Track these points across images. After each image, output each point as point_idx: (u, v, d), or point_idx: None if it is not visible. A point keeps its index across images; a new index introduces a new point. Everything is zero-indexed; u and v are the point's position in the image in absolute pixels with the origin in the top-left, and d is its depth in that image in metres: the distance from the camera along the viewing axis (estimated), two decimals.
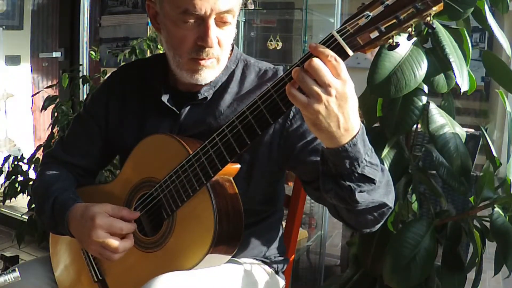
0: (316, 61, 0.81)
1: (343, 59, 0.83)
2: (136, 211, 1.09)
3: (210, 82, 1.11)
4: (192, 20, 1.01)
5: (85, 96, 2.82)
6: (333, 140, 0.85)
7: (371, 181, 0.90)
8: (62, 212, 1.10)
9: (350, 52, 0.83)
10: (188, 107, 1.13)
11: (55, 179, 1.20)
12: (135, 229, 1.07)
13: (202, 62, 1.04)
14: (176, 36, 1.04)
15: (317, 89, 0.81)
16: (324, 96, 0.81)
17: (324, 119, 0.82)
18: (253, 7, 2.95)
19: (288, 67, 0.89)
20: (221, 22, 1.02)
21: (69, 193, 1.15)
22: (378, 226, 1.02)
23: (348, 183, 0.89)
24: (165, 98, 1.14)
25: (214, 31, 1.01)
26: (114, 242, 1.01)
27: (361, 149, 0.87)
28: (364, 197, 0.91)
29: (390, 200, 0.99)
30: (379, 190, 0.94)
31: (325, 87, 0.81)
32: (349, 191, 0.90)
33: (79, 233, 1.07)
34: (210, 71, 1.07)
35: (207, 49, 1.02)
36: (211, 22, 1.00)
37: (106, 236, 1.01)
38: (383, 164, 1.05)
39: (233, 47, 1.17)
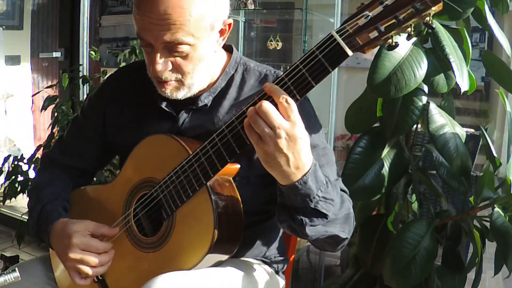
0: (265, 105, 0.85)
1: (343, 59, 0.83)
2: (116, 227, 1.10)
3: (210, 88, 1.11)
4: (146, 45, 1.02)
5: (85, 96, 2.81)
6: (285, 177, 0.89)
7: (324, 216, 0.94)
8: (46, 225, 1.11)
9: (350, 52, 0.83)
10: (187, 113, 1.13)
11: (48, 183, 1.21)
12: (111, 248, 1.07)
13: (163, 83, 1.05)
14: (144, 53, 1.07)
15: (267, 131, 0.85)
16: (273, 138, 0.84)
17: (275, 158, 0.86)
18: (253, 7, 2.95)
19: (288, 67, 0.89)
20: (173, 51, 1.01)
21: (58, 202, 1.16)
22: (340, 248, 1.08)
23: (301, 216, 0.94)
24: (163, 103, 1.13)
25: (160, 59, 1.01)
26: (90, 258, 1.03)
27: (313, 185, 0.90)
28: (316, 230, 0.96)
29: (346, 233, 1.04)
30: (335, 224, 0.99)
31: (275, 129, 0.84)
32: (300, 225, 0.94)
33: (58, 249, 1.09)
34: (177, 91, 1.07)
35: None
36: (158, 50, 1.00)
37: (82, 254, 1.03)
38: (347, 193, 1.10)
39: (232, 51, 1.16)
